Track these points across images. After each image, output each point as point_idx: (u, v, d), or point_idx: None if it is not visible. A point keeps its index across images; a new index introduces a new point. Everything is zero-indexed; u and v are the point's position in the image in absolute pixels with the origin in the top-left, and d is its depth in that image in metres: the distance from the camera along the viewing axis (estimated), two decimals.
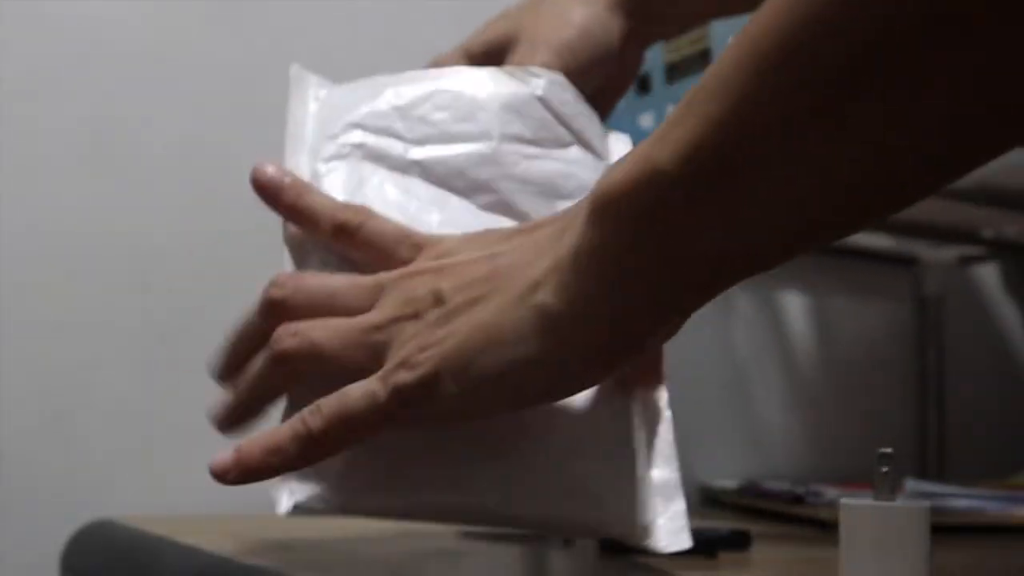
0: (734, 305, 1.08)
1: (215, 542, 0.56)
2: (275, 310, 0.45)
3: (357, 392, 0.41)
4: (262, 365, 0.45)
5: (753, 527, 0.65)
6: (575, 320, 0.37)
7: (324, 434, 0.41)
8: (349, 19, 0.91)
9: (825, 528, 0.75)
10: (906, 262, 1.18)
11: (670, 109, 0.87)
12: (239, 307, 0.85)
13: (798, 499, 0.84)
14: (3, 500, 0.76)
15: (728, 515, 0.89)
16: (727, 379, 1.07)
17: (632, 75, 0.64)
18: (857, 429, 1.13)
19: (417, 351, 0.39)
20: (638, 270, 0.36)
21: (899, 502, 0.42)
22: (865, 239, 1.16)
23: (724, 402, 1.06)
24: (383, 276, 0.44)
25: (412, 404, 0.39)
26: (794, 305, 1.12)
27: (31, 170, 0.79)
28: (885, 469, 0.43)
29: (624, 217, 0.35)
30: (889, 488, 0.42)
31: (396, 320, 0.41)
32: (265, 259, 0.85)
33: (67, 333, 0.79)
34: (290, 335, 0.43)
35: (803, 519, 0.82)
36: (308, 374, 0.44)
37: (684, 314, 0.38)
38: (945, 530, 0.74)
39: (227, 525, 0.62)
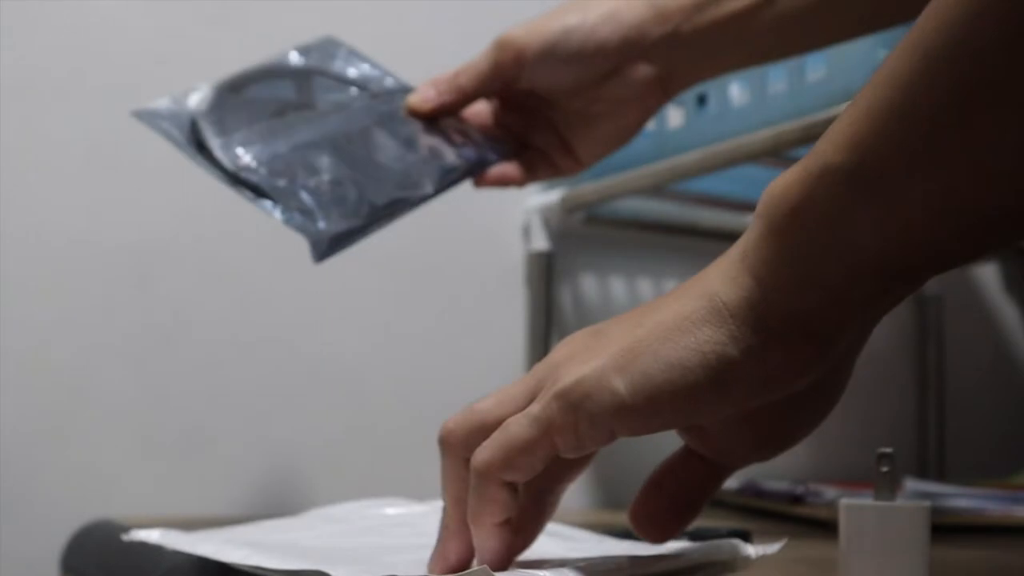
0: None
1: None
2: (442, 436, 0.44)
3: (514, 418, 0.40)
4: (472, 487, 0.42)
5: (753, 527, 0.65)
6: (752, 311, 0.36)
7: (488, 467, 0.40)
8: (349, 19, 0.91)
9: (825, 528, 0.75)
10: None
11: (670, 108, 0.87)
12: (239, 308, 0.86)
13: (798, 499, 0.84)
14: (3, 500, 0.76)
15: (728, 515, 0.89)
16: None
17: (626, 115, 0.64)
18: (857, 429, 1.13)
19: (575, 365, 0.39)
20: (811, 268, 0.35)
21: (899, 502, 0.42)
22: None
23: None
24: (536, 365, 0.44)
25: (574, 409, 0.38)
26: None
27: (31, 171, 0.79)
28: (885, 469, 0.43)
29: (794, 214, 0.35)
30: (889, 488, 0.42)
31: (549, 361, 0.41)
32: (265, 259, 0.86)
33: (67, 333, 0.79)
34: (453, 419, 0.43)
35: (803, 519, 0.82)
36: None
37: (867, 317, 0.37)
38: (945, 530, 0.74)
39: (225, 524, 0.62)
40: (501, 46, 0.62)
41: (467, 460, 0.42)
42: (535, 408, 0.39)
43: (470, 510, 0.41)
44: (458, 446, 0.43)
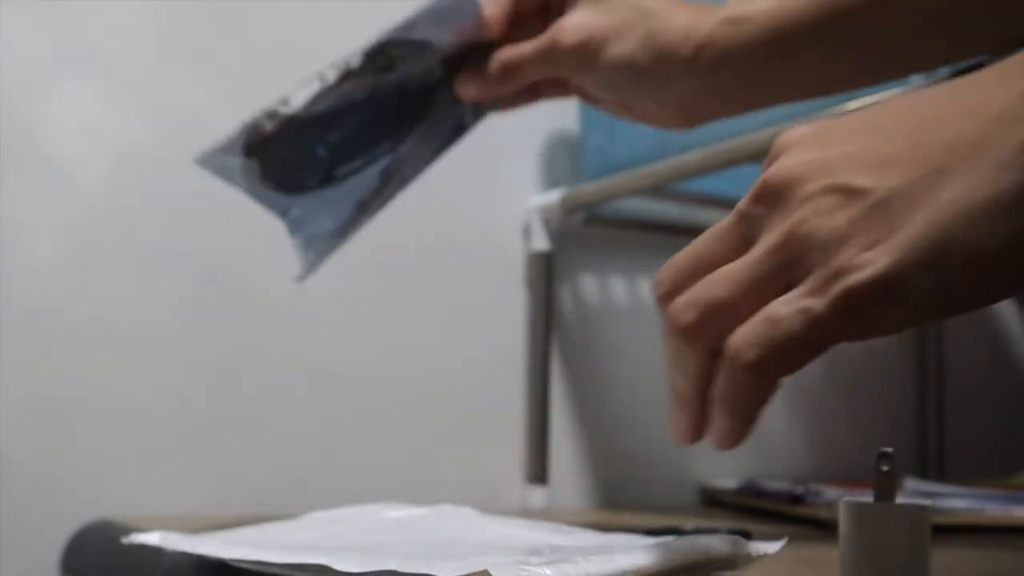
0: None
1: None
2: (681, 328, 0.39)
3: (784, 311, 0.34)
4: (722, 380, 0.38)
5: (753, 527, 0.65)
6: None
7: (760, 367, 0.35)
8: (349, 19, 0.91)
9: (825, 528, 0.75)
10: None
11: None
12: (240, 309, 0.86)
13: (797, 499, 0.84)
14: (3, 500, 0.76)
15: (728, 515, 0.89)
16: None
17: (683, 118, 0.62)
18: (857, 429, 1.13)
19: (860, 250, 0.33)
20: None
21: (899, 502, 0.42)
22: None
23: None
24: (741, 203, 0.38)
25: (867, 312, 0.33)
26: None
27: (31, 169, 0.79)
28: (885, 469, 0.43)
29: None
30: (889, 488, 0.42)
31: (797, 230, 0.35)
32: (265, 259, 0.86)
33: (67, 333, 0.79)
34: (686, 308, 0.38)
35: (803, 519, 0.82)
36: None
37: None
38: (944, 530, 0.74)
39: (226, 525, 0.62)
40: (553, 58, 0.59)
41: (710, 348, 0.37)
42: (817, 306, 0.33)
43: (728, 401, 0.37)
44: (701, 336, 0.38)
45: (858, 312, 0.33)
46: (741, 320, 0.36)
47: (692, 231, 1.15)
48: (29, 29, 0.79)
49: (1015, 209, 0.31)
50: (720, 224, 0.40)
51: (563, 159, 1.00)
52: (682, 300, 0.38)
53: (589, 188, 0.91)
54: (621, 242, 1.02)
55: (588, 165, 0.95)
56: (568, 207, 0.93)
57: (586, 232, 1.00)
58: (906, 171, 0.33)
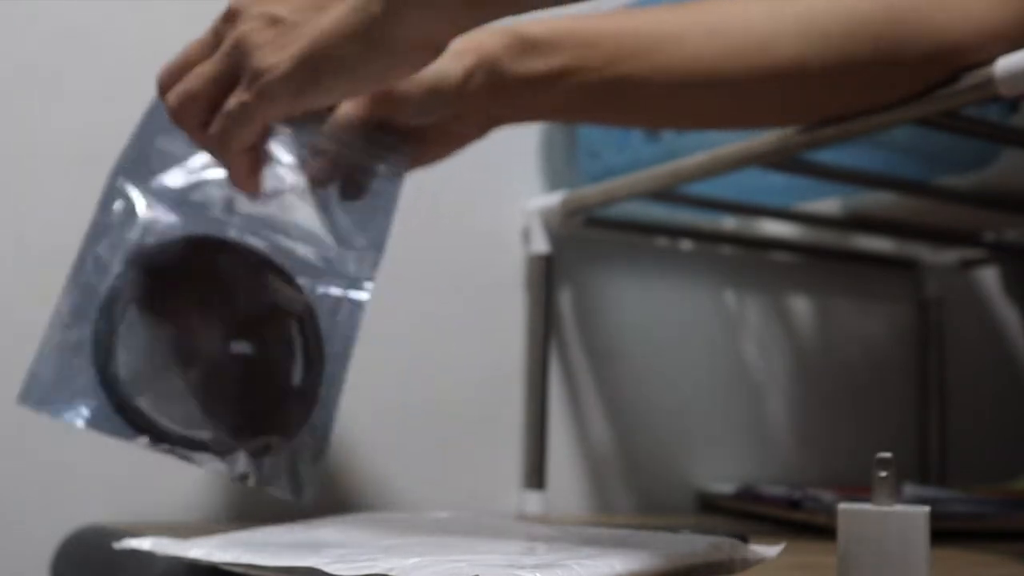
0: (734, 308, 1.08)
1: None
2: (170, 111, 0.58)
3: (231, 101, 0.55)
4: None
5: (750, 532, 0.65)
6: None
7: (220, 139, 0.57)
8: None
9: (823, 533, 0.75)
10: (907, 265, 1.18)
11: None
12: None
13: (795, 504, 0.84)
14: None
15: (725, 520, 0.89)
16: (725, 382, 1.06)
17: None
18: (856, 432, 1.12)
19: (272, 55, 0.52)
20: None
21: (898, 507, 0.42)
22: (866, 242, 1.16)
23: (722, 405, 1.06)
24: (215, 21, 0.57)
25: (277, 95, 0.53)
26: (794, 308, 1.12)
27: (23, 172, 0.78)
28: (884, 473, 0.42)
29: None
30: (888, 493, 0.42)
31: (238, 40, 0.54)
32: None
33: None
34: (173, 96, 0.58)
35: (801, 524, 0.81)
36: None
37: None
38: (944, 535, 0.73)
39: (217, 531, 0.62)
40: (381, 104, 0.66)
41: (198, 124, 0.58)
42: (246, 97, 0.55)
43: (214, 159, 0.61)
44: (184, 117, 0.59)
45: (272, 96, 0.53)
46: (212, 104, 0.56)
47: (694, 234, 1.14)
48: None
49: (352, 35, 0.50)
50: (202, 35, 0.58)
51: (563, 161, 1.00)
52: (172, 91, 0.57)
53: (590, 191, 0.90)
54: (622, 245, 1.02)
55: (584, 170, 0.94)
56: (569, 210, 0.93)
57: (587, 235, 1.00)
58: (303, 6, 0.52)
